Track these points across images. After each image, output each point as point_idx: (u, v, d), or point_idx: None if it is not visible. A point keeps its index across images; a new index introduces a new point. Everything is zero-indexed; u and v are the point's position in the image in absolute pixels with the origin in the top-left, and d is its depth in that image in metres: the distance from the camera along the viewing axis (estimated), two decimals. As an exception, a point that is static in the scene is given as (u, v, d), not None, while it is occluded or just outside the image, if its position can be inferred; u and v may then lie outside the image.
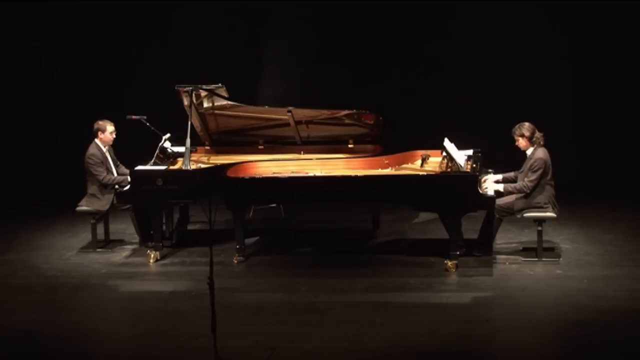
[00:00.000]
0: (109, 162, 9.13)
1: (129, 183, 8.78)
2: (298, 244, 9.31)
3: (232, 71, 10.82)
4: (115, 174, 9.11)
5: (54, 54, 12.17)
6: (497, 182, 8.56)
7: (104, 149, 9.13)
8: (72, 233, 9.80)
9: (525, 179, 8.38)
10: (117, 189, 8.87)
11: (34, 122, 12.19)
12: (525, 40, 11.68)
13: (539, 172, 8.33)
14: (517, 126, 8.52)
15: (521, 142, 8.50)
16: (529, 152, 8.50)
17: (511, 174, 8.64)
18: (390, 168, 8.92)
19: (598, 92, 11.72)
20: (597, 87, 11.71)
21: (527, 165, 8.47)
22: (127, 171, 8.97)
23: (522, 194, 8.38)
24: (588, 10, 11.46)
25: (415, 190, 8.28)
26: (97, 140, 9.11)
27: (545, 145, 8.48)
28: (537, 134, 8.47)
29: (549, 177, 8.41)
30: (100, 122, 9.13)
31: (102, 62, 12.03)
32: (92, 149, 9.06)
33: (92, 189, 9.03)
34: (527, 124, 8.48)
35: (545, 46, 11.71)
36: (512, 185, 8.43)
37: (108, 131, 9.11)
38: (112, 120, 9.20)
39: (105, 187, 9.02)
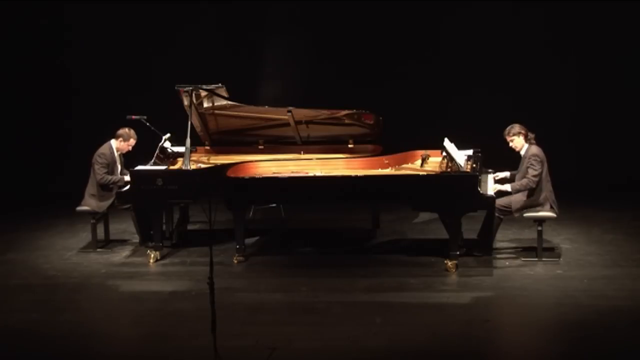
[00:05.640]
0: (116, 166, 9.12)
1: (125, 184, 8.79)
2: (298, 244, 9.30)
3: (232, 71, 10.82)
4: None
5: (60, 56, 12.19)
6: (500, 183, 8.55)
7: (116, 154, 9.12)
8: (72, 233, 9.80)
9: (528, 175, 8.36)
10: (119, 187, 8.85)
11: (37, 122, 12.19)
12: (525, 40, 11.67)
13: (539, 165, 8.32)
14: (508, 128, 8.51)
15: (517, 141, 8.49)
16: (522, 151, 8.50)
17: (507, 174, 8.63)
18: (390, 168, 8.92)
19: (598, 92, 11.72)
20: (598, 87, 11.70)
21: (523, 164, 8.46)
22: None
23: (527, 190, 8.36)
24: (590, 10, 11.46)
25: (415, 190, 8.28)
26: (112, 142, 9.10)
27: (537, 145, 8.47)
28: (530, 134, 8.49)
29: (545, 173, 8.41)
30: (127, 131, 9.06)
31: (101, 62, 12.02)
32: (103, 149, 9.04)
33: (93, 188, 9.03)
34: (517, 124, 8.48)
35: (545, 45, 11.71)
36: (519, 183, 8.41)
37: (128, 142, 9.08)
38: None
39: (103, 187, 9.01)
